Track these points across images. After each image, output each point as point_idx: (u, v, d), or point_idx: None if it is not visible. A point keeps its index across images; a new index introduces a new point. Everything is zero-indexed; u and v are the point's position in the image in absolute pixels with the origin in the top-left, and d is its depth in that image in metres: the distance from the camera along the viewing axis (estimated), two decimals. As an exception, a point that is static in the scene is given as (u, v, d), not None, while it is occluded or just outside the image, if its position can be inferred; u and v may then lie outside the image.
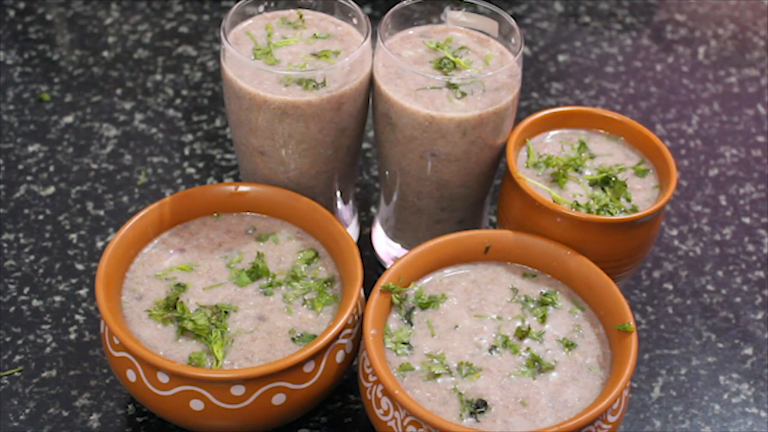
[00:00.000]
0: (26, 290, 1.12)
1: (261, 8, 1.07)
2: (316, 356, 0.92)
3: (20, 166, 1.27)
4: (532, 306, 0.98)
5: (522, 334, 0.95)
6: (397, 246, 1.15)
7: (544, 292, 0.99)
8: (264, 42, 1.04)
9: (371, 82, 1.04)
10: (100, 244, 1.18)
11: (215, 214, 1.06)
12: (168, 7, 1.55)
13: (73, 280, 1.14)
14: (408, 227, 1.13)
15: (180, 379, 0.89)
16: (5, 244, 1.17)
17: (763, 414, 1.05)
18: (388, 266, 1.17)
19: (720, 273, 1.20)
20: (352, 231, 1.19)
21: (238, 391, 0.90)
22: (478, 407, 0.89)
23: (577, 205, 1.00)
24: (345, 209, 1.16)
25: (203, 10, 1.55)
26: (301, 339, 0.95)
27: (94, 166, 1.28)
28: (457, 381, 0.91)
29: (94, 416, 1.01)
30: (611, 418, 0.90)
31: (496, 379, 0.91)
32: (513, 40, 1.05)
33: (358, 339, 0.97)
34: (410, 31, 1.07)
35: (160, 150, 1.31)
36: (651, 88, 1.46)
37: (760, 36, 1.58)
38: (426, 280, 1.00)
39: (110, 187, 1.25)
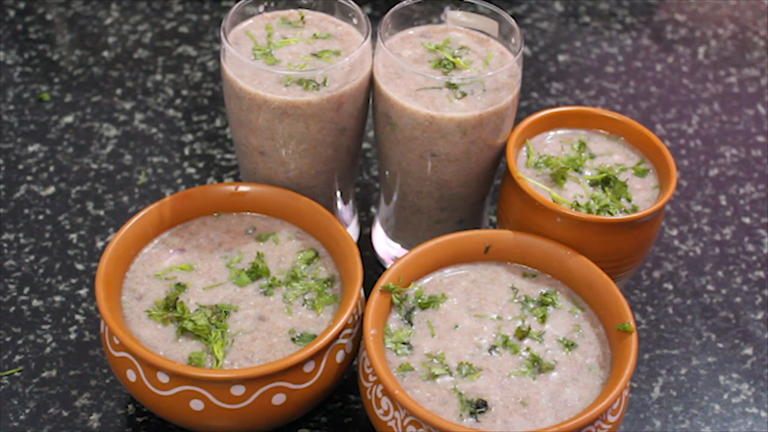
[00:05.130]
0: (26, 290, 1.12)
1: (261, 8, 1.07)
2: (316, 356, 0.92)
3: (20, 166, 1.27)
4: (532, 306, 0.98)
5: (522, 334, 0.95)
6: (397, 246, 1.16)
7: (544, 292, 0.99)
8: (264, 42, 1.04)
9: (371, 82, 1.04)
10: (100, 244, 1.18)
11: (215, 214, 1.06)
12: (168, 7, 1.55)
13: (73, 280, 1.14)
14: (408, 227, 1.13)
15: (180, 379, 0.89)
16: (5, 244, 1.17)
17: (763, 414, 1.05)
18: (388, 266, 1.17)
19: (720, 273, 1.20)
20: (352, 231, 1.19)
21: (238, 391, 0.90)
22: (478, 407, 0.89)
23: (577, 205, 1.00)
24: (345, 209, 1.16)
25: (203, 10, 1.55)
26: (301, 339, 0.95)
27: (94, 166, 1.28)
28: (457, 381, 0.91)
29: (94, 416, 1.01)
30: (611, 418, 0.90)
31: (496, 379, 0.91)
32: (513, 40, 1.05)
33: (358, 339, 0.97)
34: (410, 31, 1.07)
35: (160, 150, 1.31)
36: (651, 88, 1.46)
37: (760, 36, 1.58)
38: (426, 280, 1.00)
39: (110, 187, 1.25)
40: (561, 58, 1.50)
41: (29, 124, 1.33)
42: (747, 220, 1.27)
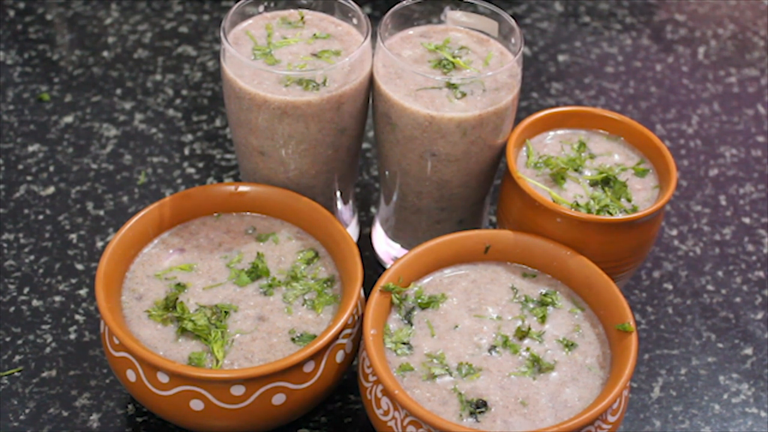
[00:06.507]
0: (26, 290, 1.12)
1: (261, 8, 1.07)
2: (316, 356, 0.92)
3: (20, 166, 1.27)
4: (532, 306, 0.98)
5: (522, 334, 0.95)
6: (397, 246, 1.16)
7: (544, 292, 0.99)
8: (264, 42, 1.04)
9: (371, 82, 1.04)
10: (100, 244, 1.18)
11: (215, 214, 1.06)
12: (168, 7, 1.55)
13: (73, 280, 1.14)
14: (408, 227, 1.13)
15: (180, 379, 0.89)
16: (5, 244, 1.17)
17: (763, 414, 1.05)
18: (388, 266, 1.17)
19: (720, 273, 1.20)
20: (352, 231, 1.19)
21: (238, 391, 0.90)
22: (478, 407, 0.89)
23: (577, 205, 1.00)
24: (345, 209, 1.16)
25: (203, 10, 1.55)
26: (301, 339, 0.95)
27: (94, 166, 1.28)
28: (456, 381, 0.91)
29: (94, 416, 1.01)
30: (611, 418, 0.90)
31: (496, 379, 0.91)
32: (513, 40, 1.05)
33: (358, 339, 0.97)
34: (410, 31, 1.07)
35: (160, 150, 1.31)
36: (651, 88, 1.46)
37: (760, 36, 1.58)
38: (426, 280, 1.00)
39: (110, 187, 1.25)
40: (561, 58, 1.50)
41: (29, 124, 1.33)
42: (747, 220, 1.27)
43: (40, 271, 1.15)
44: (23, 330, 1.08)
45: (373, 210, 1.26)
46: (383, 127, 1.04)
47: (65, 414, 1.01)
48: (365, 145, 1.33)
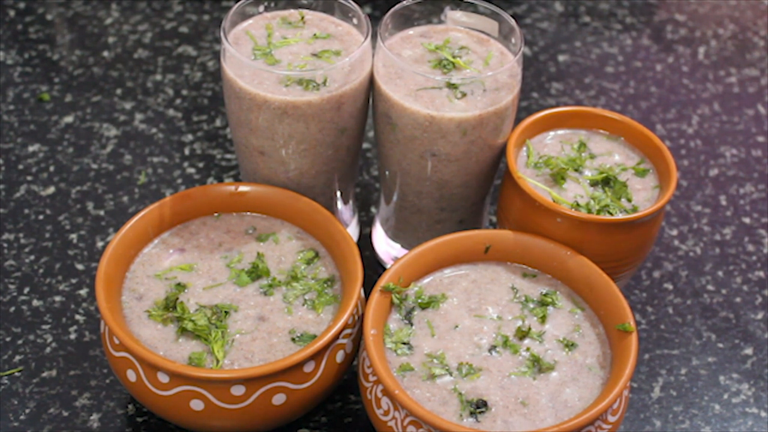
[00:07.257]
0: (26, 290, 1.12)
1: (261, 8, 1.07)
2: (316, 356, 0.92)
3: (20, 166, 1.27)
4: (532, 306, 0.98)
5: (522, 334, 0.95)
6: (397, 246, 1.16)
7: (544, 292, 0.99)
8: (264, 42, 1.04)
9: (371, 82, 1.04)
10: (100, 244, 1.18)
11: (215, 214, 1.06)
12: (168, 7, 1.55)
13: (73, 280, 1.14)
14: (408, 227, 1.13)
15: (180, 379, 0.89)
16: (5, 244, 1.17)
17: (763, 414, 1.05)
18: (388, 266, 1.17)
19: (720, 273, 1.20)
20: (352, 231, 1.19)
21: (238, 391, 0.90)
22: (478, 407, 0.89)
23: (578, 205, 1.00)
24: (345, 209, 1.16)
25: (203, 10, 1.55)
26: (301, 339, 0.95)
27: (94, 166, 1.28)
28: (457, 381, 0.91)
29: (94, 416, 1.01)
30: (611, 418, 0.90)
31: (496, 379, 0.91)
32: (513, 40, 1.05)
33: (358, 339, 0.97)
34: (410, 31, 1.07)
35: (160, 150, 1.31)
36: (651, 88, 1.46)
37: (760, 36, 1.58)
38: (426, 280, 1.00)
39: (110, 187, 1.25)
40: (561, 58, 1.50)
41: (29, 124, 1.33)
42: (747, 220, 1.27)
43: (41, 271, 1.15)
44: (23, 330, 1.08)
45: (373, 210, 1.26)
46: (383, 127, 1.04)
47: (65, 414, 1.01)
48: (365, 145, 1.33)
